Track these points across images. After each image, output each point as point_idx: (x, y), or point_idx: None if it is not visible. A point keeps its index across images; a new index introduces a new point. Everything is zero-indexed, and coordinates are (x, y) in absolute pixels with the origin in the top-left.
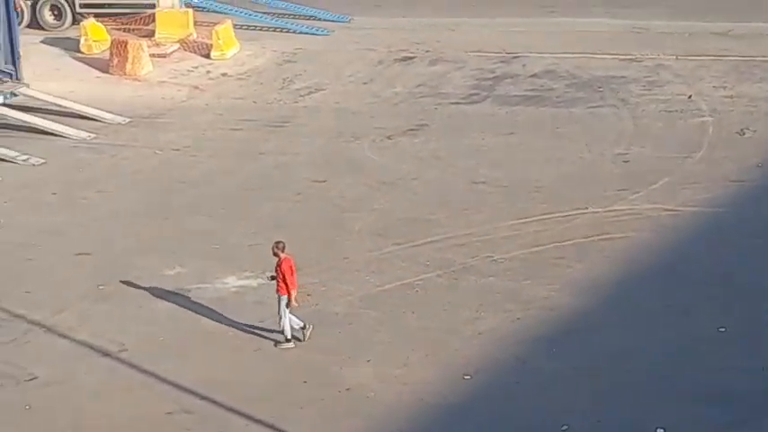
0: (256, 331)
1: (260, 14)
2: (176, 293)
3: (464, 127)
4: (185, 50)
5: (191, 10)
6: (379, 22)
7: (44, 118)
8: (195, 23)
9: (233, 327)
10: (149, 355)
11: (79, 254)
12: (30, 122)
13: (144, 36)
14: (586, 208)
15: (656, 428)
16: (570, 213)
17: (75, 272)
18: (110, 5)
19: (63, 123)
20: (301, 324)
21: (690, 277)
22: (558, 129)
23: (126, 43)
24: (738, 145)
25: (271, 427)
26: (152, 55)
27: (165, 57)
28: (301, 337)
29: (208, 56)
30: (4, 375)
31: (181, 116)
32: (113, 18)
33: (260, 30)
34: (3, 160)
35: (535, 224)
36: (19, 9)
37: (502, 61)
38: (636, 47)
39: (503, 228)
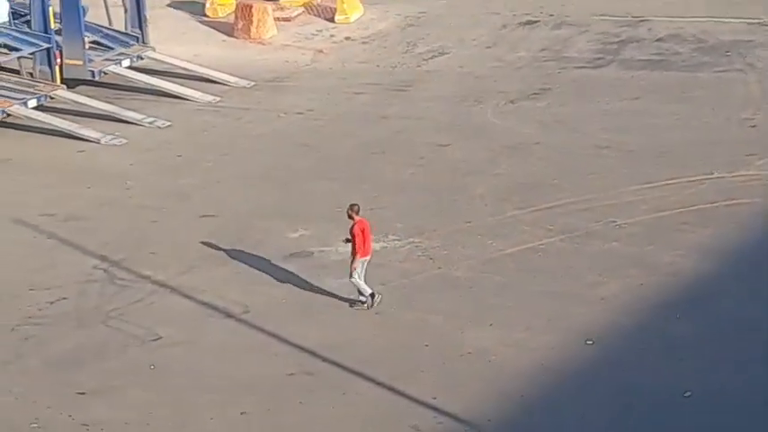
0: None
1: None
2: (299, 256)
3: (588, 91)
4: (309, 14)
5: None
6: None
7: (170, 81)
8: None
9: (355, 290)
10: (272, 316)
11: (204, 216)
12: (156, 85)
13: (269, 0)
14: (712, 173)
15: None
16: (695, 178)
17: (199, 234)
18: None
19: (188, 86)
20: (370, 291)
21: None
22: (684, 93)
23: (251, 7)
24: None
25: (391, 389)
26: (276, 18)
27: (289, 20)
28: (365, 303)
29: (332, 19)
30: (130, 336)
31: (304, 80)
32: None
33: None
34: (129, 123)
35: (659, 189)
36: None
37: (627, 25)
38: (764, 11)
39: (627, 193)
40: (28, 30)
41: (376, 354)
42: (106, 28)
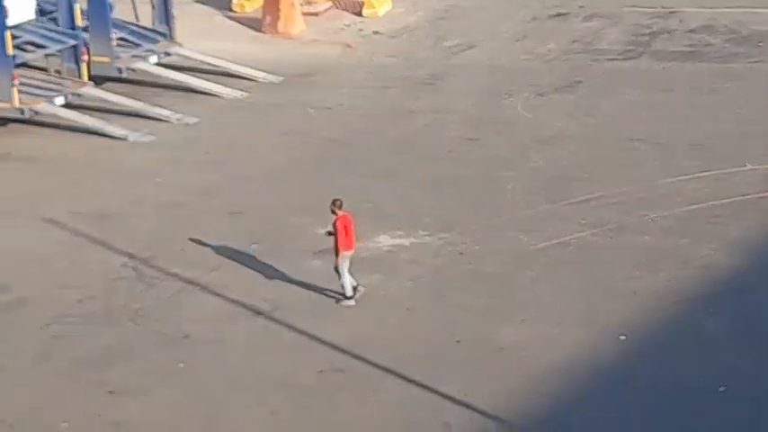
0: (408, 290)
1: None
2: (328, 252)
3: (619, 83)
4: (337, 8)
5: None
6: None
7: (198, 77)
8: None
9: (385, 286)
10: (302, 313)
11: (232, 212)
12: (184, 82)
13: None
14: (745, 165)
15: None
16: (728, 171)
17: (228, 230)
18: None
19: (216, 82)
20: (355, 284)
21: None
22: (716, 85)
23: (278, 2)
24: None
25: (423, 386)
26: (304, 13)
27: (317, 15)
28: (354, 295)
29: (360, 13)
30: (159, 333)
31: (333, 74)
32: None
33: None
34: (157, 119)
35: (692, 182)
36: None
37: (658, 16)
38: None
39: (659, 186)
40: (55, 27)
41: (407, 350)
42: (133, 24)
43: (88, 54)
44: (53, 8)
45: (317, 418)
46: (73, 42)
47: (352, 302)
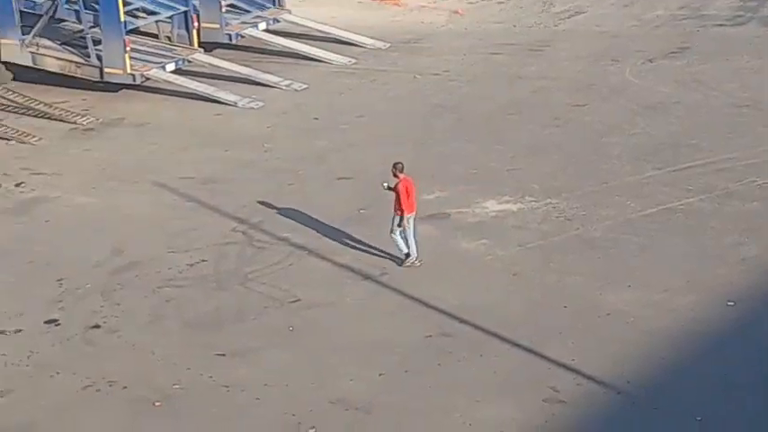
0: (514, 256)
1: None
2: (436, 217)
3: (727, 49)
4: None
5: None
6: None
7: (306, 44)
8: None
9: (492, 251)
10: (410, 278)
11: (340, 178)
12: (292, 48)
13: None
14: None
15: None
16: None
17: (336, 196)
18: None
19: (324, 49)
20: (406, 251)
21: None
22: None
23: None
24: None
25: (530, 351)
26: None
27: None
28: (403, 263)
29: None
30: (269, 297)
31: (440, 41)
32: None
33: None
34: (266, 86)
35: None
36: None
37: None
38: None
39: (767, 152)
40: None
41: (514, 315)
42: None
43: (198, 21)
44: None
45: (425, 381)
46: (183, 9)
47: (417, 263)
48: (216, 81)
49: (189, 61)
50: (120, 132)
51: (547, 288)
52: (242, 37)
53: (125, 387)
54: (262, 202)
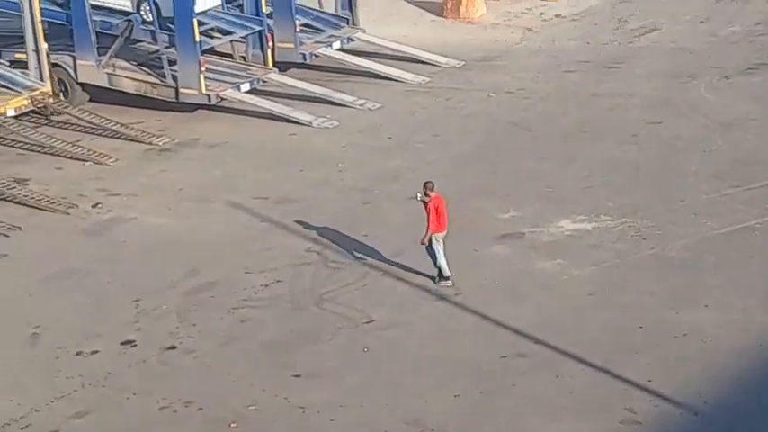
0: (590, 275)
1: None
2: (510, 237)
3: None
4: None
5: None
6: None
7: (380, 62)
8: None
9: (567, 271)
10: (484, 298)
11: (413, 198)
12: (366, 67)
13: None
14: None
15: None
16: None
17: (410, 215)
18: None
19: (398, 68)
20: (447, 274)
21: None
22: None
23: None
24: None
25: (605, 371)
26: None
27: None
28: (436, 281)
29: None
30: (344, 318)
31: (514, 58)
32: None
33: None
34: (341, 105)
35: None
36: None
37: None
38: None
39: None
40: (240, 13)
41: (589, 335)
42: (317, 10)
43: (273, 40)
44: None
45: (500, 402)
46: (258, 28)
47: (449, 283)
48: (290, 101)
49: (264, 81)
50: (195, 153)
51: (623, 308)
52: (316, 56)
53: (200, 408)
54: (336, 222)
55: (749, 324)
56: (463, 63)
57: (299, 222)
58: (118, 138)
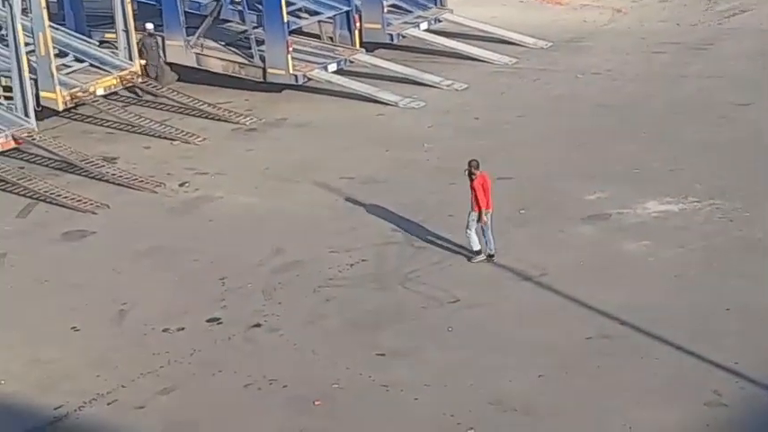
0: (676, 257)
1: None
2: (597, 218)
3: None
4: None
5: None
6: None
7: (467, 43)
8: None
9: (654, 252)
10: (570, 279)
11: (501, 178)
12: (453, 48)
13: None
14: None
15: None
16: None
17: (497, 196)
18: None
19: (485, 48)
20: (477, 248)
21: None
22: None
23: None
24: None
25: (692, 354)
26: None
27: None
28: (471, 259)
29: None
30: (429, 297)
31: (602, 40)
32: None
33: None
34: (427, 85)
35: None
36: None
37: None
38: None
39: None
40: None
41: (675, 317)
42: None
43: (360, 21)
44: None
45: (584, 383)
46: (346, 9)
47: (481, 257)
48: (377, 81)
49: (351, 61)
50: (282, 132)
51: (709, 290)
52: (404, 37)
53: (285, 386)
54: (422, 202)
55: None
56: (551, 44)
57: (385, 202)
58: (205, 117)
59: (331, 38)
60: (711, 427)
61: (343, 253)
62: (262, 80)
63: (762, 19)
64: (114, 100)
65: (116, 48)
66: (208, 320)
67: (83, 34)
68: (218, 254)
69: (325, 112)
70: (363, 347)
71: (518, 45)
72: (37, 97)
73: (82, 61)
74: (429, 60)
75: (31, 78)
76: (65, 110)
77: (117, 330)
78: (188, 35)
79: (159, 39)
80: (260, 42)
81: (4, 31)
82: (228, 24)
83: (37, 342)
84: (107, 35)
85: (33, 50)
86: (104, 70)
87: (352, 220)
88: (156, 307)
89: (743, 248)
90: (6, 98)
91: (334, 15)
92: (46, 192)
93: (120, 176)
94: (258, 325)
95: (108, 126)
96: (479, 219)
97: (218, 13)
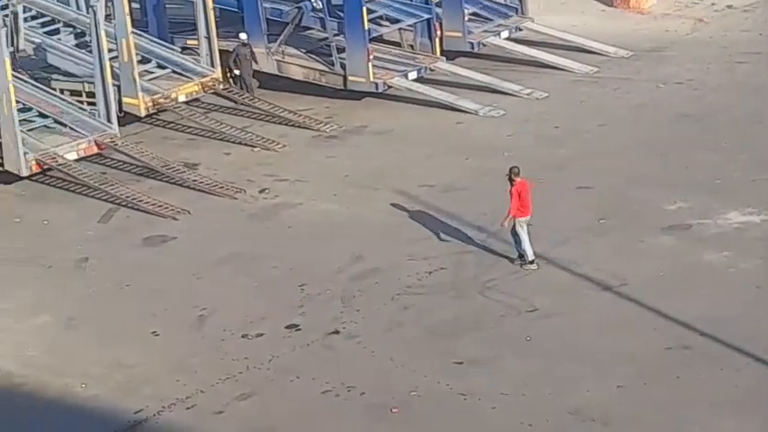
0: (758, 268)
1: None
2: (677, 228)
3: None
4: None
5: None
6: None
7: (547, 52)
8: None
9: (734, 263)
10: (650, 289)
11: (580, 187)
12: (534, 56)
13: None
14: None
15: None
16: None
17: (576, 205)
18: None
19: (566, 57)
20: (531, 253)
21: None
22: None
23: None
24: None
25: None
26: None
27: None
28: (517, 264)
29: None
30: (507, 306)
31: (684, 49)
32: None
33: None
34: (507, 94)
35: None
36: None
37: None
38: None
39: None
40: (409, 1)
41: (756, 329)
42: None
43: (441, 29)
44: None
45: (663, 393)
46: (426, 17)
47: (534, 266)
48: (457, 89)
49: (431, 69)
50: (362, 140)
51: None
52: (484, 45)
53: (363, 393)
54: (501, 211)
55: None
56: (632, 53)
57: (464, 210)
58: (286, 124)
59: (411, 46)
60: None
61: (421, 260)
62: (342, 88)
63: None
64: (196, 106)
65: (198, 54)
66: (286, 327)
67: (165, 41)
68: (297, 260)
69: (404, 120)
70: (441, 355)
71: (599, 54)
72: (119, 103)
73: (164, 68)
74: (509, 69)
75: (113, 84)
76: (147, 116)
77: (196, 336)
78: (269, 42)
79: (252, 49)
80: (341, 50)
81: (87, 38)
82: (310, 32)
83: (117, 346)
84: (189, 42)
85: (116, 57)
86: (186, 77)
87: (430, 227)
88: (235, 313)
89: None
90: (89, 104)
91: (415, 23)
92: (127, 197)
93: (201, 182)
94: (336, 332)
95: (189, 132)
96: (502, 222)
97: (300, 20)
